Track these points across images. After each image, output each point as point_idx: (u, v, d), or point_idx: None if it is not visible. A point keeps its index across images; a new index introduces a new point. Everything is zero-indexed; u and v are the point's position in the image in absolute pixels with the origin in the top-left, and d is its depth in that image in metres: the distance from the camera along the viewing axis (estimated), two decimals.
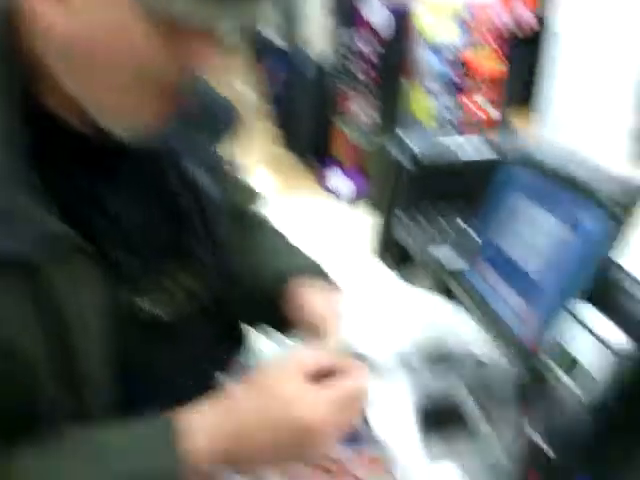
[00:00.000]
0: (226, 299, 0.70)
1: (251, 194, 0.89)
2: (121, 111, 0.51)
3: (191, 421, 0.50)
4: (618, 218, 0.66)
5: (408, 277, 1.28)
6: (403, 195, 1.17)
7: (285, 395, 0.50)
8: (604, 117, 1.51)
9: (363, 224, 1.31)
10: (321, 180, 4.36)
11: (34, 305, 0.47)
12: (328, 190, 4.27)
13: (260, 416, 0.50)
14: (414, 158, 1.13)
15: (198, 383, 0.63)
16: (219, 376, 0.71)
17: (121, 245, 0.56)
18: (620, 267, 0.70)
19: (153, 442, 0.50)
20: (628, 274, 0.70)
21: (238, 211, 0.82)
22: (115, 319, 0.53)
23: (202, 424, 0.50)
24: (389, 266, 1.26)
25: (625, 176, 0.71)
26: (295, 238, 0.85)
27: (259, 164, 4.79)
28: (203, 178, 0.66)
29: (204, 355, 0.68)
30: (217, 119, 0.69)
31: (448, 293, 1.00)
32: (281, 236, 0.86)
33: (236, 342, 0.78)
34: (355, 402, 0.52)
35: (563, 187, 0.78)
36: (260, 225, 0.87)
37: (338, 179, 4.17)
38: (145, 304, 0.58)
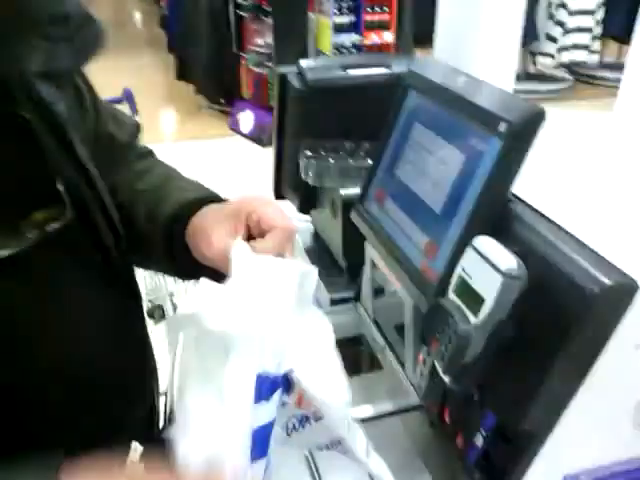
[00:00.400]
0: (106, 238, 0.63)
1: (131, 127, 0.81)
2: None
3: None
4: (515, 143, 0.64)
5: (309, 213, 1.24)
6: (296, 123, 1.11)
7: None
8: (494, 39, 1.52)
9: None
10: (227, 120, 4.20)
11: None
12: (236, 130, 4.13)
13: None
14: (304, 79, 1.06)
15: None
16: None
17: None
18: (514, 194, 0.68)
19: None
20: (522, 200, 0.69)
21: (118, 143, 0.76)
22: None
23: None
24: (291, 201, 1.21)
25: (517, 96, 0.68)
26: (202, 182, 0.79)
27: (158, 103, 4.57)
28: (55, 97, 0.57)
29: (87, 306, 0.60)
30: (71, 29, 0.59)
31: (350, 229, 0.97)
32: (173, 170, 0.80)
33: (126, 292, 0.70)
34: None
35: (457, 113, 0.75)
36: (150, 162, 0.81)
37: (243, 117, 4.03)
38: None
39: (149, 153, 0.84)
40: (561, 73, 5.12)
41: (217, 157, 3.69)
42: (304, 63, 1.11)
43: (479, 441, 0.70)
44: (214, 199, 0.70)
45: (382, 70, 1.10)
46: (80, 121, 0.64)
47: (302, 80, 1.08)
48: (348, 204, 1.00)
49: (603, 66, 4.92)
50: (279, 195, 1.25)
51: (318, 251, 1.24)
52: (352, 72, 1.09)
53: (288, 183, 1.20)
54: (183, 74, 4.65)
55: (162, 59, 5.10)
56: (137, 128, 0.83)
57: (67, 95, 0.62)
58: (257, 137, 3.82)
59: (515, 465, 0.66)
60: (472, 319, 0.61)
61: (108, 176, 0.66)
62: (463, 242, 0.66)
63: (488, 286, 0.59)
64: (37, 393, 0.55)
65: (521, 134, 0.63)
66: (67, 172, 0.58)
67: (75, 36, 0.59)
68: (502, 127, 0.64)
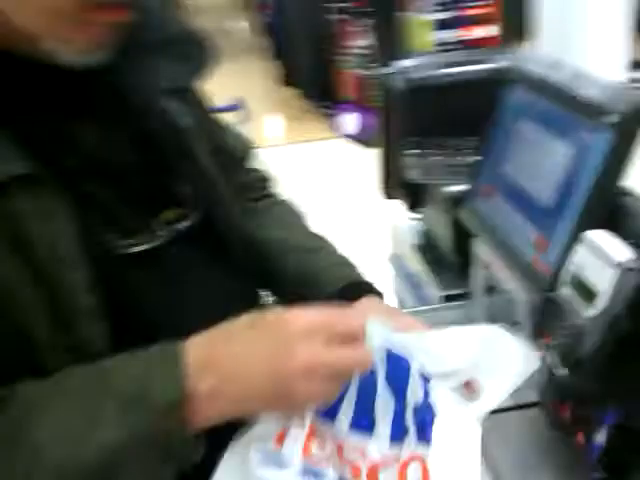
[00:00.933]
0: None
1: (243, 141, 0.87)
2: (50, 30, 0.50)
3: (190, 348, 0.49)
4: (625, 134, 0.62)
5: (419, 211, 1.25)
6: (400, 122, 1.13)
7: (289, 335, 0.48)
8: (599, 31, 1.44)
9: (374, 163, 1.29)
10: (331, 123, 4.28)
11: (5, 242, 0.48)
12: (339, 133, 4.19)
13: (257, 355, 0.48)
14: (406, 78, 1.08)
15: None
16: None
17: (94, 179, 0.56)
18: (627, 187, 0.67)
19: (158, 365, 0.48)
20: (633, 193, 0.67)
21: (236, 154, 0.82)
22: (90, 248, 0.52)
23: (199, 350, 0.49)
24: (400, 200, 1.23)
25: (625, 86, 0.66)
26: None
27: (266, 109, 4.74)
28: (175, 107, 0.64)
29: (209, 294, 0.66)
30: (186, 49, 0.66)
31: (459, 226, 0.98)
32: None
33: (246, 291, 0.74)
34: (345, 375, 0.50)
35: (565, 106, 0.74)
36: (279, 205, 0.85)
37: (348, 120, 4.09)
38: (120, 238, 0.57)
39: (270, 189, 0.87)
40: None
41: (324, 159, 3.77)
42: (406, 62, 1.13)
43: (600, 437, 0.69)
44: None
45: (484, 66, 1.09)
46: (204, 132, 0.70)
47: (404, 79, 1.10)
48: (455, 201, 1.00)
49: None
50: (388, 195, 1.28)
51: (429, 248, 1.26)
52: (454, 69, 1.10)
53: (396, 182, 1.22)
54: (288, 80, 4.79)
55: (268, 66, 5.28)
56: (247, 143, 0.87)
57: (193, 109, 0.68)
58: (361, 138, 3.86)
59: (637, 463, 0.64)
60: (587, 313, 0.60)
61: (230, 183, 0.72)
62: (574, 235, 0.65)
63: (602, 279, 0.58)
64: None
65: (630, 124, 0.62)
66: (191, 177, 0.65)
67: (193, 53, 0.66)
68: (610, 118, 0.62)
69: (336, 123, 4.25)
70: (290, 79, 4.75)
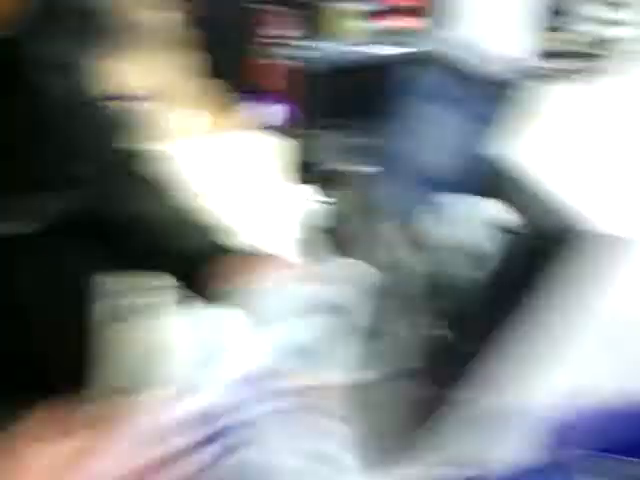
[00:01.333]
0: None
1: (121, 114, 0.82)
2: None
3: None
4: (517, 107, 0.65)
5: (331, 195, 1.26)
6: (316, 104, 1.13)
7: None
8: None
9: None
10: (252, 113, 4.24)
11: None
12: (260, 123, 4.15)
13: None
14: (322, 62, 1.08)
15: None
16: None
17: None
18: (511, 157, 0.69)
19: None
20: (520, 164, 0.69)
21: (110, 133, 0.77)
22: None
23: None
24: (312, 185, 1.23)
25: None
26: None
27: (188, 100, 4.64)
28: (63, 82, 0.61)
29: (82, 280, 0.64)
30: (84, 25, 0.62)
31: (368, 208, 0.99)
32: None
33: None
34: None
35: (467, 85, 0.76)
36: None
37: (269, 111, 4.05)
38: None
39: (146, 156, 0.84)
40: (595, 49, 4.99)
41: (244, 150, 3.72)
42: (327, 48, 1.13)
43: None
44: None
45: (401, 49, 1.11)
46: (87, 112, 0.67)
47: (324, 64, 1.10)
48: (365, 183, 1.01)
49: None
50: (301, 180, 1.27)
51: (339, 233, 1.26)
52: (369, 52, 1.11)
53: (309, 166, 1.22)
54: (211, 71, 4.70)
55: (193, 58, 5.17)
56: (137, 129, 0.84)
57: (77, 83, 0.64)
58: (283, 129, 3.85)
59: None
60: (471, 276, 0.62)
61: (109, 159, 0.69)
62: (460, 204, 0.67)
63: (486, 243, 0.60)
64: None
65: (524, 97, 0.64)
66: (71, 163, 0.61)
67: (87, 28, 0.62)
68: (507, 92, 0.65)
69: (257, 114, 4.21)
70: (213, 70, 4.67)
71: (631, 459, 0.69)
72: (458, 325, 0.66)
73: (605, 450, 0.74)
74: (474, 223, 0.63)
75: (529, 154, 0.71)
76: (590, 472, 0.74)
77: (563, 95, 0.71)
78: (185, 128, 4.21)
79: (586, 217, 0.58)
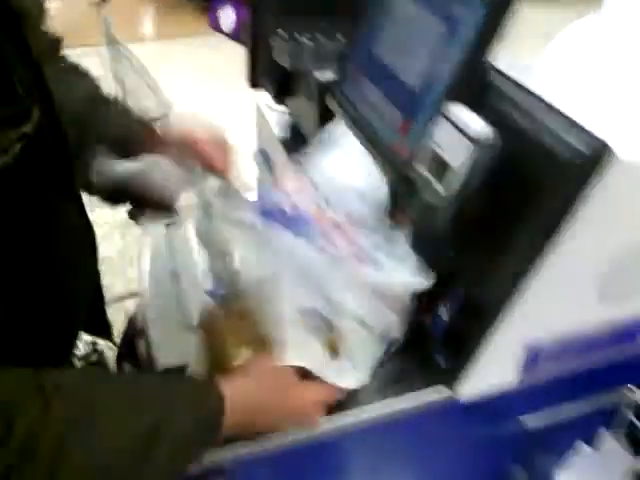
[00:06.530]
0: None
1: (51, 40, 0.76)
2: None
3: (225, 388, 0.58)
4: (496, 9, 0.60)
5: (287, 101, 1.20)
6: (269, 2, 1.05)
7: (286, 384, 0.65)
8: None
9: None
10: (207, 18, 4.00)
11: None
12: (215, 28, 3.94)
13: (269, 399, 0.64)
14: None
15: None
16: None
17: None
18: (492, 65, 0.66)
19: (198, 393, 0.58)
20: (500, 71, 0.66)
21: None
22: None
23: (232, 393, 0.58)
24: (266, 89, 1.16)
25: None
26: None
27: (138, 1, 4.33)
28: None
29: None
30: None
31: (327, 110, 0.94)
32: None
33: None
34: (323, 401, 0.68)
35: None
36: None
37: (224, 15, 3.84)
38: None
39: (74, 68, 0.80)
40: None
41: (197, 57, 3.55)
42: None
43: (444, 314, 0.72)
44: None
45: None
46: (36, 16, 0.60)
47: None
48: (324, 88, 0.96)
49: None
50: (254, 83, 1.20)
51: (295, 143, 1.21)
52: None
53: (262, 69, 1.15)
54: None
55: None
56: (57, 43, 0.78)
57: None
58: (238, 35, 3.66)
59: (476, 335, 0.68)
60: (441, 190, 0.60)
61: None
62: (437, 115, 0.64)
63: (458, 155, 0.57)
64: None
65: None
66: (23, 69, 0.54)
67: None
68: None
69: (212, 18, 3.98)
70: None
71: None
72: (423, 242, 0.65)
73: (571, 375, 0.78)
74: (445, 132, 0.60)
75: (512, 63, 0.68)
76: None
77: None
78: (135, 29, 3.95)
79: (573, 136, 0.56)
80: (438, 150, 0.60)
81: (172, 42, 3.81)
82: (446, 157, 0.59)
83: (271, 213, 0.68)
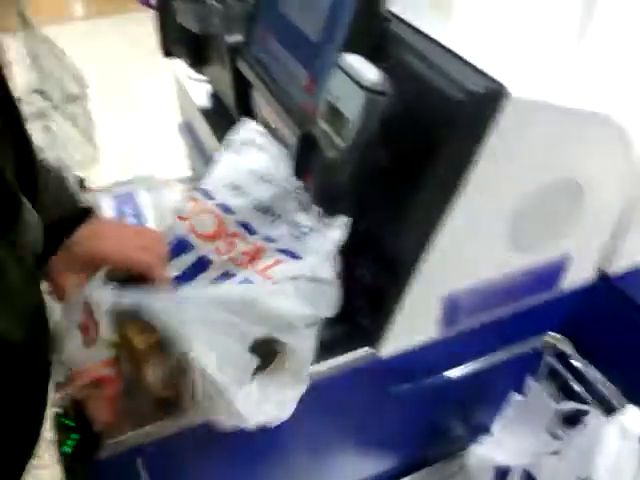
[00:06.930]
0: None
1: None
2: None
3: None
4: None
5: (204, 70, 1.16)
6: None
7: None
8: None
9: None
10: None
11: None
12: (146, 3, 3.79)
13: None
14: None
15: None
16: None
17: None
18: (393, 13, 0.64)
19: None
20: (400, 18, 0.65)
21: None
22: None
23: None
24: (180, 57, 1.12)
25: None
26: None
27: None
28: None
29: None
30: None
31: (240, 79, 0.91)
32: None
33: None
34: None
35: None
36: None
37: None
38: None
39: None
40: None
41: (126, 33, 3.42)
42: None
43: (362, 275, 0.71)
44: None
45: None
46: None
47: None
48: (234, 51, 0.92)
49: None
50: (168, 52, 1.15)
51: (216, 111, 1.18)
52: None
53: (172, 35, 1.10)
54: None
55: None
56: None
57: None
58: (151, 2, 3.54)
59: (392, 293, 0.67)
60: (340, 143, 0.58)
61: None
62: (334, 67, 0.61)
63: (352, 105, 0.56)
64: None
65: None
66: None
67: None
68: None
69: None
70: None
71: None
72: (327, 197, 0.63)
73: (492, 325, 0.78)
74: (340, 83, 0.57)
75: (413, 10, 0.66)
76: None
77: None
78: (59, 8, 3.78)
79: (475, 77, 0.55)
80: (335, 102, 0.58)
81: (102, 20, 3.68)
82: (342, 108, 0.57)
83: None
